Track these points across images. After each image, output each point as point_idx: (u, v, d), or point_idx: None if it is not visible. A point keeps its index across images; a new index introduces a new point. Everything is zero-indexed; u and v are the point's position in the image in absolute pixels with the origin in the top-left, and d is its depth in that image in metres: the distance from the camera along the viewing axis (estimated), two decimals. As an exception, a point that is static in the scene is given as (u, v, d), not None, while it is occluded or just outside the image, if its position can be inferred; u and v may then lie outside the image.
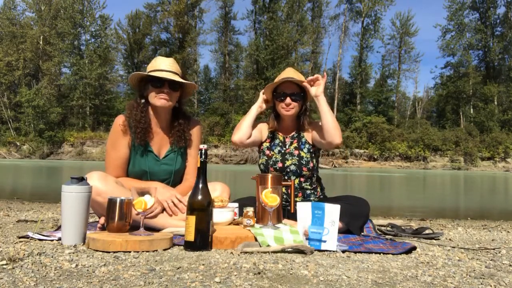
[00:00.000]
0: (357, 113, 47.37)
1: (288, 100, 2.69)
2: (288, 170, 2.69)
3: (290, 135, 2.83)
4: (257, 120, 2.83)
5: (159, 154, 2.56)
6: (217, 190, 2.47)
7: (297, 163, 2.70)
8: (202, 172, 1.96)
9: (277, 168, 2.70)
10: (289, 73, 2.74)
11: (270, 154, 2.77)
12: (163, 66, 2.47)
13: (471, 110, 48.43)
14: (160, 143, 2.57)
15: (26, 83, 47.77)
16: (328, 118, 2.56)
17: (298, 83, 2.70)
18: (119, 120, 2.48)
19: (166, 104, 2.46)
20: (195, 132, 2.66)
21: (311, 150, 2.76)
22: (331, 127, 2.55)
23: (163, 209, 2.36)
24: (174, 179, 2.59)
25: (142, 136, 2.46)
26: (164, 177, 2.55)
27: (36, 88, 45.92)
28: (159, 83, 2.44)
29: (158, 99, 2.45)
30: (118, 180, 2.37)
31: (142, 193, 2.01)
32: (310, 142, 2.79)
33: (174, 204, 2.34)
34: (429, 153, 42.04)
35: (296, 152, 2.74)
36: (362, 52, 50.93)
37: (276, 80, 2.74)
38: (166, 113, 2.55)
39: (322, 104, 2.60)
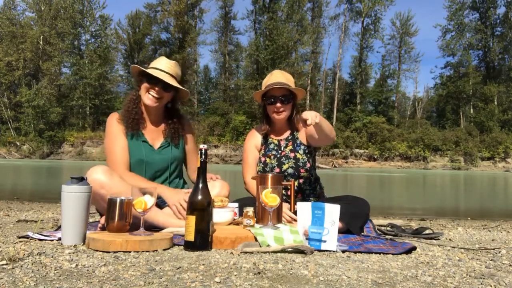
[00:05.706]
0: (357, 113, 47.37)
1: (278, 104, 2.68)
2: (286, 173, 2.69)
3: (285, 137, 2.83)
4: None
5: (153, 145, 2.57)
6: (216, 186, 2.48)
7: (294, 165, 2.70)
8: (202, 172, 1.96)
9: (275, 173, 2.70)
10: (277, 76, 2.73)
11: (266, 161, 2.77)
12: (161, 65, 2.52)
13: (471, 110, 48.44)
14: (153, 136, 2.58)
15: (26, 83, 47.77)
16: (327, 130, 2.49)
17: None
18: (115, 115, 2.54)
19: (153, 104, 2.50)
20: (187, 130, 2.69)
21: (307, 151, 2.76)
22: (329, 133, 2.51)
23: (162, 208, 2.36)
24: (171, 168, 2.59)
25: (134, 126, 2.50)
26: (162, 165, 2.55)
27: (36, 88, 45.93)
28: (153, 81, 2.48)
29: (147, 97, 2.49)
30: (124, 174, 2.36)
31: (142, 193, 2.01)
32: (305, 143, 2.78)
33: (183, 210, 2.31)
34: (429, 153, 42.04)
35: (292, 155, 2.73)
36: (362, 52, 50.95)
37: (264, 84, 2.74)
38: (156, 110, 2.58)
39: (323, 125, 2.45)
